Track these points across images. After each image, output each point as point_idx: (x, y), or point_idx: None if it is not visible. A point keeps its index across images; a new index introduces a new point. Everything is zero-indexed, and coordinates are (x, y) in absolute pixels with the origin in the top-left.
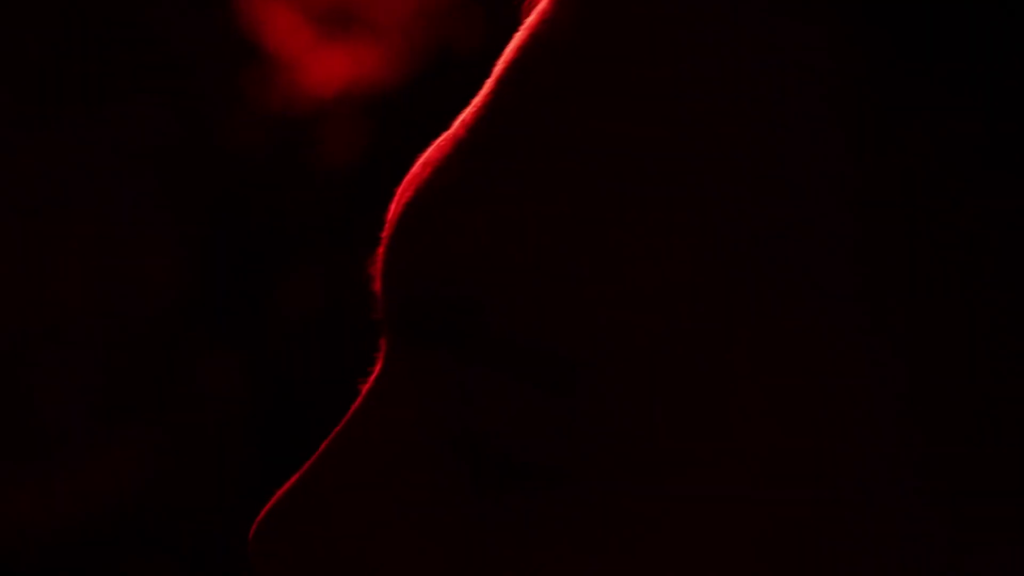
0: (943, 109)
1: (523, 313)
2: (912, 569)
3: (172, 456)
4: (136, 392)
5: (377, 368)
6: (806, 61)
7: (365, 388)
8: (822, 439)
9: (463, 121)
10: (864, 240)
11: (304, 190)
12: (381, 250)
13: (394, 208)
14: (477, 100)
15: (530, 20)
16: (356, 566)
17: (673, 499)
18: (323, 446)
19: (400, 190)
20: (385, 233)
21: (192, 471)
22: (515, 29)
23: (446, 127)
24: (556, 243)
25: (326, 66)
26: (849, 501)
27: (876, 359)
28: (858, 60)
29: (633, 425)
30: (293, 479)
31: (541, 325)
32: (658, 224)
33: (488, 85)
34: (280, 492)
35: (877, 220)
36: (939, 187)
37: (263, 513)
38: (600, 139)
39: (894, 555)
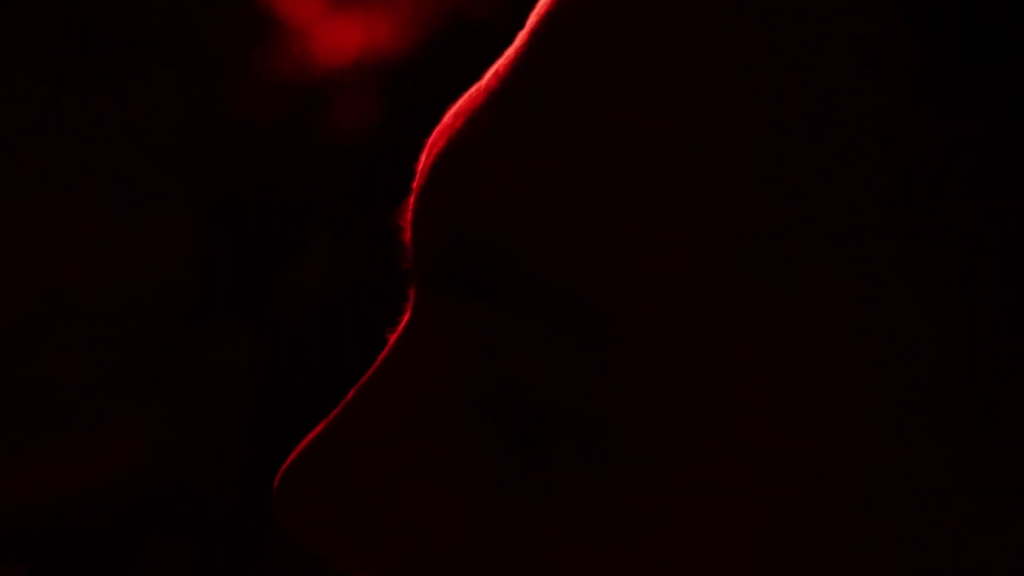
0: (944, 109)
1: (555, 264)
2: (913, 569)
3: (179, 435)
4: (144, 371)
5: (405, 318)
6: (807, 60)
7: (393, 338)
8: (822, 439)
9: (496, 72)
10: (866, 240)
11: (315, 165)
12: (412, 199)
13: (425, 158)
14: (510, 51)
15: None
16: (379, 518)
17: (675, 494)
18: (350, 395)
19: (431, 140)
20: (416, 183)
21: (199, 450)
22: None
23: (459, 97)
24: (585, 197)
25: (338, 36)
26: (850, 501)
27: (877, 359)
28: (860, 60)
29: (638, 417)
30: (319, 428)
31: (572, 277)
32: (663, 214)
33: (522, 36)
34: (305, 441)
35: (878, 220)
36: (940, 187)
37: (288, 462)
38: (608, 127)
39: (895, 555)
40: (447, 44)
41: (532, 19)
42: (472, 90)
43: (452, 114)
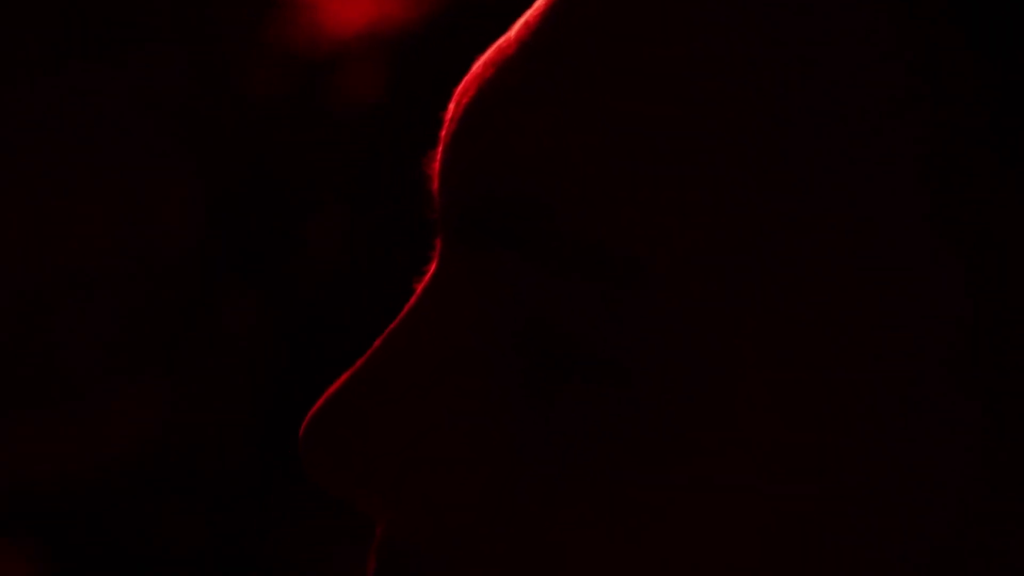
0: (945, 103)
1: (587, 214)
2: (916, 564)
3: (188, 407)
4: (153, 344)
5: (431, 268)
6: (809, 55)
7: (420, 287)
8: (825, 434)
9: (526, 22)
10: (866, 235)
11: (323, 137)
12: (440, 149)
13: (454, 107)
14: (540, 3)
15: None
16: (396, 485)
17: (678, 488)
18: (375, 345)
19: (460, 89)
20: (444, 132)
21: (208, 423)
22: None
23: (467, 68)
24: (611, 153)
25: (346, 7)
26: (853, 496)
27: (879, 354)
28: (862, 55)
29: (662, 364)
30: (345, 376)
31: (604, 227)
32: (670, 202)
33: None
34: (331, 389)
35: (879, 215)
36: (942, 180)
37: (314, 409)
38: (616, 113)
39: (898, 549)
40: (455, 15)
41: None
42: (501, 40)
43: (481, 63)
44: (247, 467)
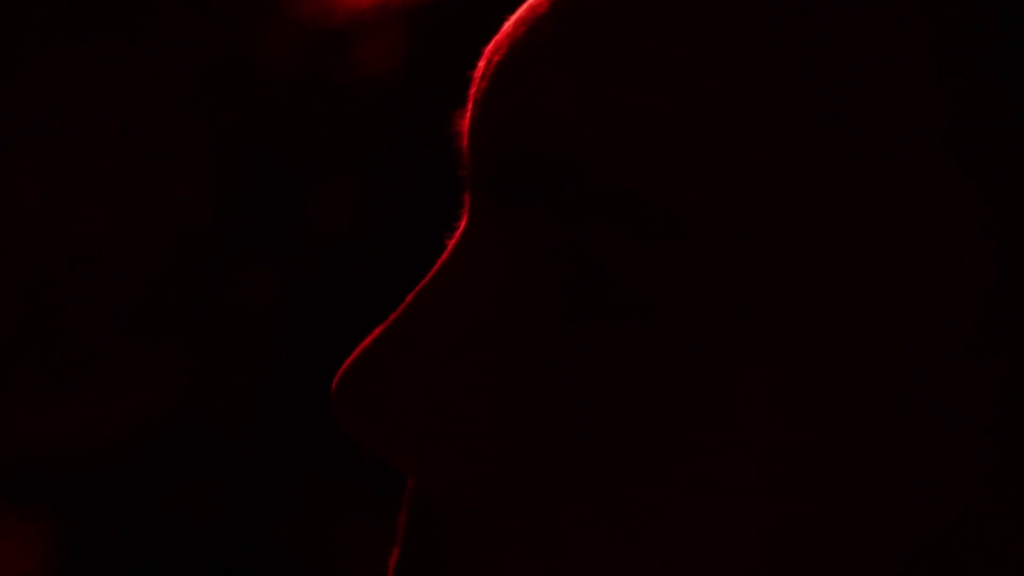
0: (962, 91)
1: (621, 168)
2: (915, 563)
3: (201, 379)
4: (165, 316)
5: (461, 225)
6: (809, 55)
7: (449, 245)
8: (825, 433)
9: None
10: (867, 237)
11: (337, 107)
12: (470, 106)
13: (484, 65)
14: None
15: None
16: (424, 440)
17: (678, 488)
18: (406, 301)
19: (491, 48)
20: (474, 90)
21: (223, 390)
22: None
23: (485, 41)
24: (641, 109)
25: None
26: (853, 495)
27: (880, 354)
28: (861, 55)
29: (698, 307)
30: (375, 333)
31: (641, 179)
32: (671, 201)
33: None
34: (362, 345)
35: (882, 216)
36: (961, 171)
37: (343, 368)
38: (621, 106)
39: (897, 549)
40: None
41: None
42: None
43: (513, 22)
44: (258, 440)
